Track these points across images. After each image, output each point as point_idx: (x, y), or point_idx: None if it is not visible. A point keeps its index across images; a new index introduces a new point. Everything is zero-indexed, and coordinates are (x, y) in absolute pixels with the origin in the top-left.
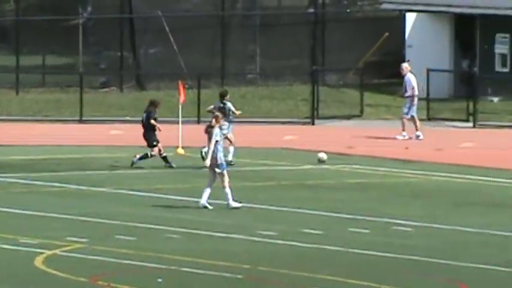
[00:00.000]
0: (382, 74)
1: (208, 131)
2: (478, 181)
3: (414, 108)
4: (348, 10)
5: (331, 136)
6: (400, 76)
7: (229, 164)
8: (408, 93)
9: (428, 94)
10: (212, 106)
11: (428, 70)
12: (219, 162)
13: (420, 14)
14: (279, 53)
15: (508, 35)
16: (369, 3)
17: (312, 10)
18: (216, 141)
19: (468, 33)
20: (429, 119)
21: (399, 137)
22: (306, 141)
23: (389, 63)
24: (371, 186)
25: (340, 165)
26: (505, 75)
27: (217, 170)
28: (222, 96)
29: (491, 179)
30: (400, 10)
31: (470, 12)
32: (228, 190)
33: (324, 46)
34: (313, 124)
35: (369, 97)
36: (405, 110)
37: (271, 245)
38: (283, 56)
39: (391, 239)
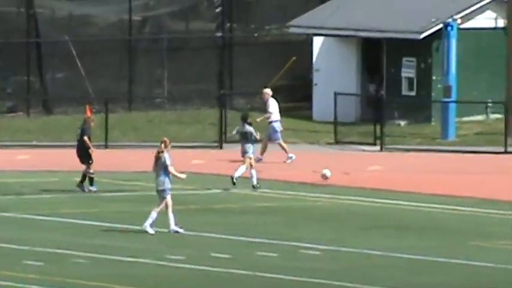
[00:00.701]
0: (290, 97)
1: (158, 156)
2: (386, 204)
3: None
4: (256, 34)
5: (239, 160)
6: (308, 100)
7: (254, 187)
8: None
9: (335, 118)
10: (235, 131)
11: (336, 94)
12: (162, 187)
13: (327, 38)
14: (186, 77)
15: (414, 59)
16: (276, 27)
17: (219, 34)
18: (166, 166)
19: (375, 57)
20: (337, 143)
21: (288, 161)
22: (214, 165)
23: (297, 87)
24: (279, 210)
25: (248, 190)
26: (411, 98)
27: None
28: (244, 119)
29: (398, 202)
30: (308, 34)
31: (376, 36)
32: (154, 215)
33: (231, 70)
34: (221, 148)
35: None
36: (278, 135)
37: (179, 269)
38: (191, 80)
39: (299, 263)
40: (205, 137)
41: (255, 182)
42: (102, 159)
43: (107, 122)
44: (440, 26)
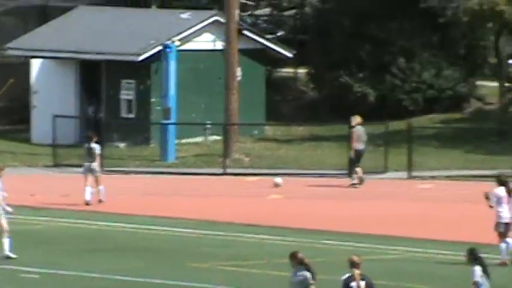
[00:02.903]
0: (8, 120)
1: None
2: (104, 227)
3: None
4: None
5: None
6: (26, 122)
7: None
8: None
9: (54, 140)
10: None
11: (55, 116)
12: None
13: (46, 60)
14: None
15: (133, 81)
16: None
17: None
18: None
19: (94, 79)
20: (56, 165)
21: None
22: None
23: (15, 110)
24: None
25: None
26: (130, 120)
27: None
28: None
29: (117, 224)
30: (26, 56)
31: (95, 58)
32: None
33: None
34: None
35: None
36: None
37: None
38: None
39: (19, 287)
40: None
41: None
42: None
43: None
44: (159, 48)
